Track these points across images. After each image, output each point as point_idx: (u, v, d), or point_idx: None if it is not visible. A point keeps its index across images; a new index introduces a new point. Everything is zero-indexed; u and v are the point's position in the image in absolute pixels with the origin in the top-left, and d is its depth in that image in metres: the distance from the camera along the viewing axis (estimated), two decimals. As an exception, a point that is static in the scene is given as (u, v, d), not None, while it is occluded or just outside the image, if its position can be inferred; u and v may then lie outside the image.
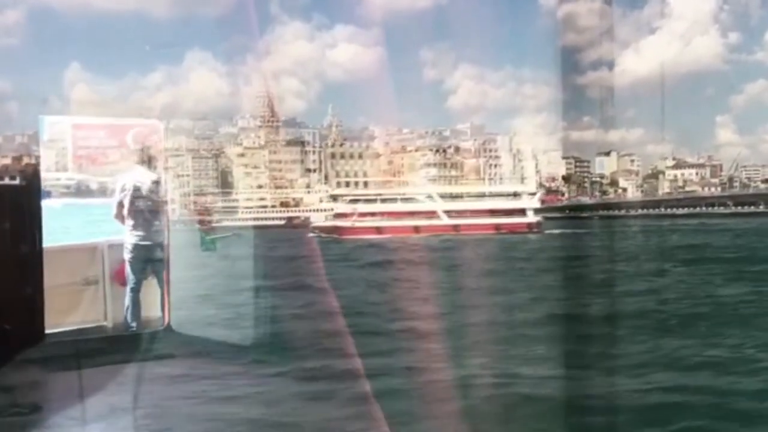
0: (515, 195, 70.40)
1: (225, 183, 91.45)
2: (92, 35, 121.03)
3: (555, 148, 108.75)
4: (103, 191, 6.49)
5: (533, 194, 70.94)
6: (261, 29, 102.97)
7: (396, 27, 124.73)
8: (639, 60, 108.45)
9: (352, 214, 65.35)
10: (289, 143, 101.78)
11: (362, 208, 66.23)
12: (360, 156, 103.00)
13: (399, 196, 70.02)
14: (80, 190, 6.37)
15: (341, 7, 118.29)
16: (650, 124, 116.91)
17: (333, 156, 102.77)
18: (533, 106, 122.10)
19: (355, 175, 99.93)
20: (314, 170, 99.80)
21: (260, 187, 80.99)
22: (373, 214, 65.46)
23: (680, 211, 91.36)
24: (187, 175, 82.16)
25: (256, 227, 71.63)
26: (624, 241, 48.61)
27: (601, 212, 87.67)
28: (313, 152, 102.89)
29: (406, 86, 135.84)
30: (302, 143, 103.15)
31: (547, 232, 62.36)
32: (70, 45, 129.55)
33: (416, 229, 62.41)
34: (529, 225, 64.55)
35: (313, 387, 7.43)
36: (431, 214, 65.97)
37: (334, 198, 73.47)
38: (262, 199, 77.67)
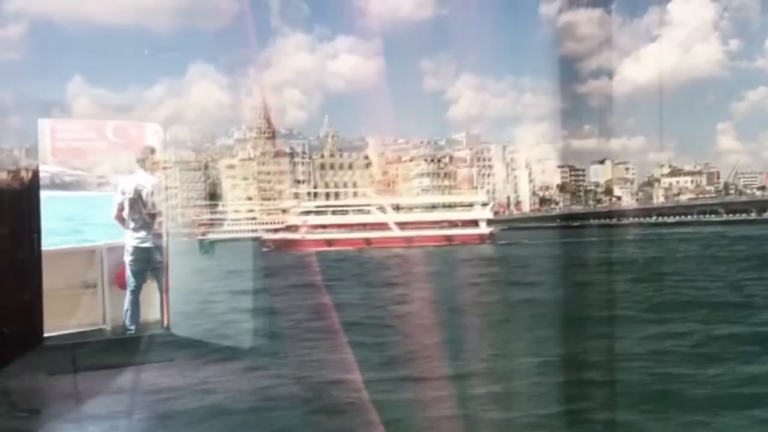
0: (468, 206, 70.77)
1: (214, 195, 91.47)
2: (94, 48, 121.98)
3: (551, 157, 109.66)
4: (77, 184, 6.59)
5: (485, 205, 71.03)
6: (263, 41, 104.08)
7: (397, 37, 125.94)
8: (639, 68, 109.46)
9: (302, 227, 65.64)
10: (278, 154, 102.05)
11: (312, 220, 66.42)
12: (350, 166, 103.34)
13: (350, 208, 70.23)
14: (54, 183, 6.45)
15: (342, 19, 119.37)
16: (651, 132, 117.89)
17: (322, 167, 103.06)
18: (534, 115, 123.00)
19: (345, 185, 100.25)
20: (303, 181, 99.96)
21: (249, 198, 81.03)
22: (323, 226, 65.66)
23: (671, 219, 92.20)
24: (176, 187, 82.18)
25: (242, 238, 71.48)
26: (577, 253, 48.25)
27: (591, 221, 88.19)
28: (302, 163, 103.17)
29: (407, 97, 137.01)
30: (291, 154, 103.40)
31: (504, 242, 62.48)
32: (72, 58, 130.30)
33: (367, 241, 62.73)
34: (481, 236, 64.59)
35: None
36: (383, 226, 66.13)
37: (285, 210, 73.46)
38: (250, 210, 77.73)
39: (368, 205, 70.43)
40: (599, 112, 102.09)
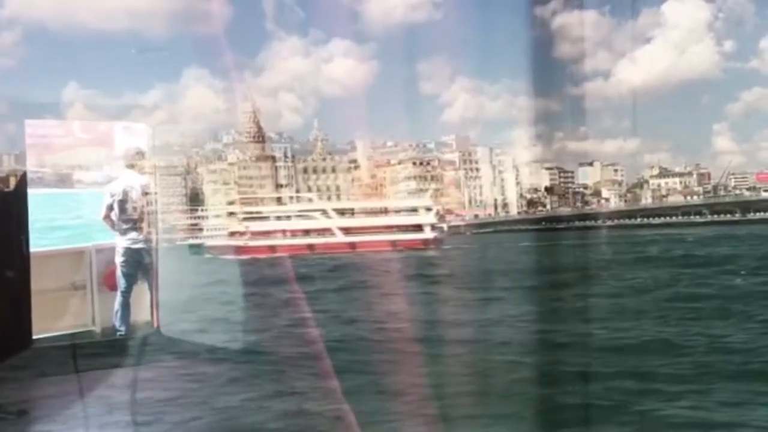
0: (413, 210, 71.41)
1: (196, 199, 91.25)
2: (89, 54, 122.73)
3: (541, 159, 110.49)
4: (39, 182, 6.64)
5: (429, 209, 71.48)
6: (258, 45, 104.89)
7: (392, 41, 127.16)
8: (634, 69, 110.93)
9: (244, 233, 65.73)
10: (260, 158, 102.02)
11: (255, 226, 66.60)
12: (333, 170, 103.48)
13: (293, 213, 70.50)
14: None
15: (337, 22, 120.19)
16: (647, 133, 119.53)
17: (305, 171, 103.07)
18: (527, 117, 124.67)
19: (328, 189, 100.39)
20: (285, 185, 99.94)
21: (231, 203, 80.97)
22: (267, 232, 65.95)
23: (656, 221, 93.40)
24: (156, 192, 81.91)
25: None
26: (527, 258, 48.56)
27: (576, 223, 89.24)
28: (285, 167, 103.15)
29: (402, 100, 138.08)
30: (273, 158, 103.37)
31: (449, 247, 63.35)
32: (66, 64, 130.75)
33: (310, 247, 63.13)
34: (425, 241, 65.24)
35: None
36: (327, 232, 66.59)
37: (230, 215, 73.61)
38: (231, 214, 77.61)
39: (312, 211, 70.94)
40: (593, 113, 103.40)
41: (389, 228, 67.19)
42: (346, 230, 67.10)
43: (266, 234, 65.69)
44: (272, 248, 61.90)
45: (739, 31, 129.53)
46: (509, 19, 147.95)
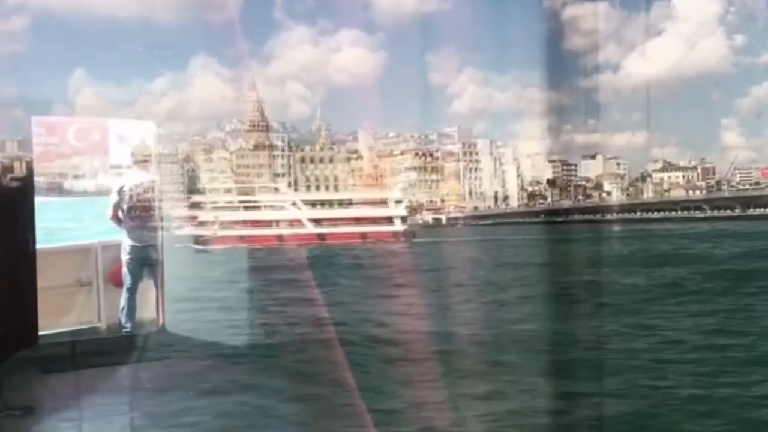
0: (382, 202, 71.83)
1: (194, 189, 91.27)
2: (97, 41, 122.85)
3: (546, 152, 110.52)
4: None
5: (399, 202, 71.89)
6: (266, 34, 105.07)
7: (400, 32, 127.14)
8: (645, 63, 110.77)
9: (213, 223, 65.94)
10: (257, 147, 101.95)
11: (224, 216, 66.88)
12: (331, 160, 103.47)
13: (263, 204, 70.76)
14: None
15: (346, 12, 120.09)
16: (656, 127, 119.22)
17: (302, 160, 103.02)
18: (537, 109, 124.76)
19: (326, 179, 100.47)
20: (282, 175, 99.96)
21: (228, 191, 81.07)
22: (235, 222, 66.27)
23: (655, 215, 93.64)
24: (153, 181, 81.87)
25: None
26: (492, 252, 48.73)
27: (575, 216, 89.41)
28: (282, 156, 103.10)
29: (410, 91, 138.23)
30: (270, 147, 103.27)
31: (419, 240, 63.81)
32: (74, 51, 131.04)
33: (279, 238, 63.45)
34: (395, 234, 65.76)
35: None
36: (296, 223, 67.05)
37: (196, 205, 73.67)
38: (229, 202, 77.77)
39: (281, 201, 71.23)
40: (602, 106, 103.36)
41: (359, 220, 67.50)
42: (317, 221, 67.52)
43: (235, 224, 66.06)
44: (242, 239, 62.27)
45: (750, 26, 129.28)
46: (519, 11, 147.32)
